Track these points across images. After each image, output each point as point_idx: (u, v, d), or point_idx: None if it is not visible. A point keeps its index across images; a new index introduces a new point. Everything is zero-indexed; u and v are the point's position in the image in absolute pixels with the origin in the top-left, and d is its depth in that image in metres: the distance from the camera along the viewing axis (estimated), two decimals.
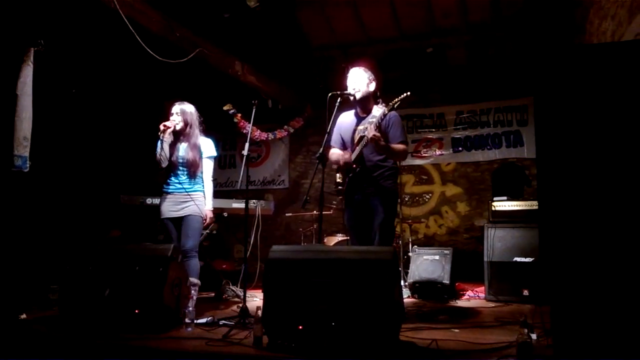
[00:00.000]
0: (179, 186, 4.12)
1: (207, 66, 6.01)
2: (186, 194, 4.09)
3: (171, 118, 4.12)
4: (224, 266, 6.23)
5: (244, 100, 6.70)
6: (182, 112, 4.14)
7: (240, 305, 3.67)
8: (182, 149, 4.16)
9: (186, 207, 4.08)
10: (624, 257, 2.09)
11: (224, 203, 5.39)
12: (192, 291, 3.93)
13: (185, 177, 4.14)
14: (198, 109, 4.33)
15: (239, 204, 5.32)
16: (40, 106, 4.01)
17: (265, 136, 7.68)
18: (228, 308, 4.56)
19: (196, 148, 4.16)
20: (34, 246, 4.61)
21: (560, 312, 2.24)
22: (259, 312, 2.88)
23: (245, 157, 3.89)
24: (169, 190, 4.14)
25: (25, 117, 3.81)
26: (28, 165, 3.86)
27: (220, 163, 8.78)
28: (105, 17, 4.51)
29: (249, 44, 6.42)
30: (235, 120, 7.25)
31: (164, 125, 4.04)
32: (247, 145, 3.93)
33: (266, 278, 2.92)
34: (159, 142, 4.07)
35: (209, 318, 3.63)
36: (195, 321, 3.42)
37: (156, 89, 6.97)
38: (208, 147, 4.25)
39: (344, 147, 3.90)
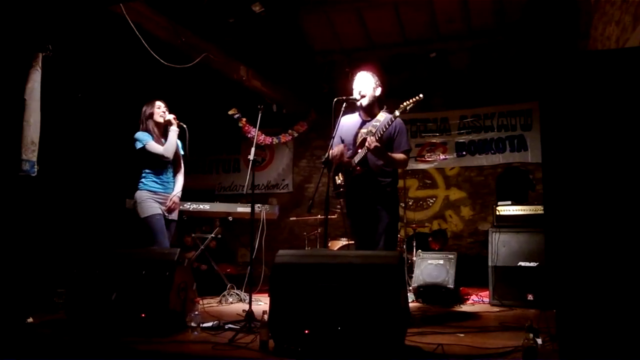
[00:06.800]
0: (166, 186, 4.19)
1: (212, 71, 6.04)
2: (170, 195, 4.19)
3: (162, 111, 4.21)
4: (228, 270, 6.25)
5: (249, 105, 6.75)
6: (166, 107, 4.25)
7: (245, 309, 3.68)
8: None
9: (174, 212, 4.25)
10: (631, 262, 2.09)
11: (229, 207, 5.41)
12: None
13: (171, 173, 4.26)
14: (203, 113, 4.40)
15: (243, 208, 5.33)
16: (48, 111, 4.04)
17: (270, 140, 7.71)
18: (233, 312, 4.57)
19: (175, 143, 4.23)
20: (41, 250, 4.63)
21: (566, 317, 2.24)
22: (265, 317, 2.89)
23: (251, 161, 3.90)
24: (157, 190, 4.14)
25: (33, 122, 3.83)
26: (36, 170, 3.88)
27: (225, 167, 8.81)
28: (112, 22, 4.55)
29: (254, 49, 6.45)
30: (240, 124, 7.29)
31: (175, 118, 4.19)
32: (253, 149, 3.94)
33: (273, 282, 2.92)
34: (170, 135, 4.13)
35: (215, 322, 3.63)
36: (201, 325, 3.44)
37: (162, 93, 6.99)
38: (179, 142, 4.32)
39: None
